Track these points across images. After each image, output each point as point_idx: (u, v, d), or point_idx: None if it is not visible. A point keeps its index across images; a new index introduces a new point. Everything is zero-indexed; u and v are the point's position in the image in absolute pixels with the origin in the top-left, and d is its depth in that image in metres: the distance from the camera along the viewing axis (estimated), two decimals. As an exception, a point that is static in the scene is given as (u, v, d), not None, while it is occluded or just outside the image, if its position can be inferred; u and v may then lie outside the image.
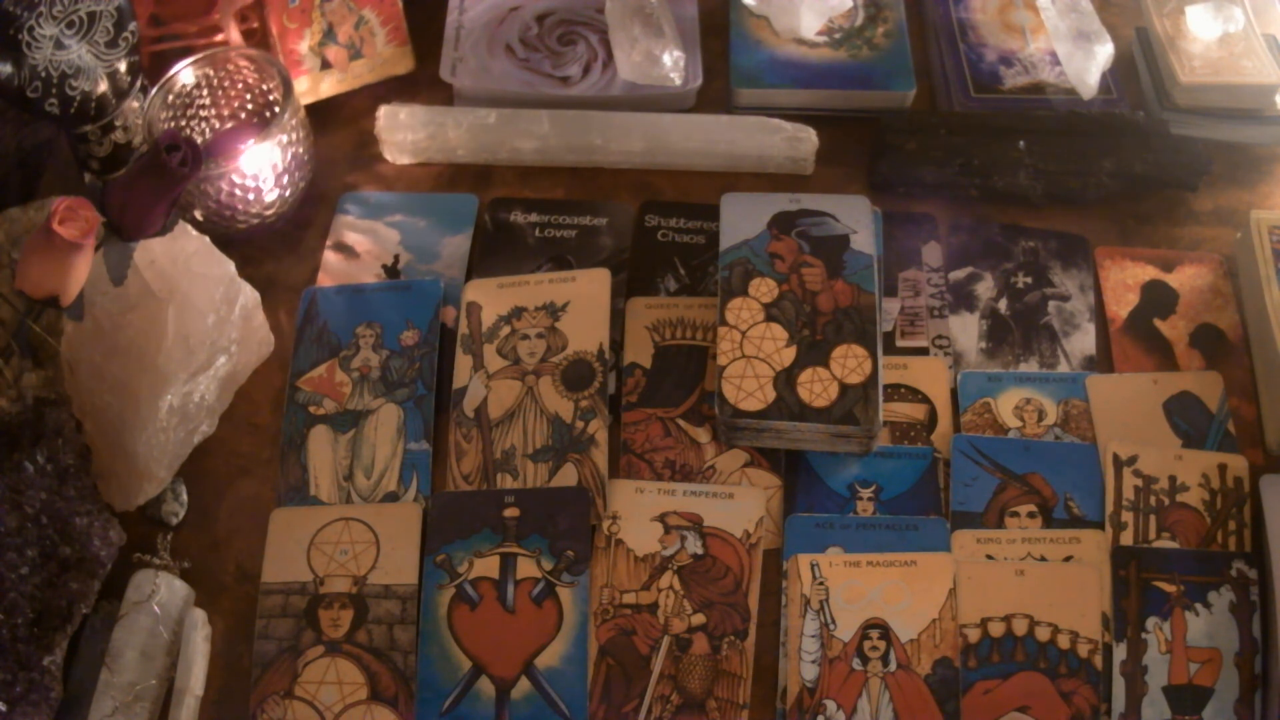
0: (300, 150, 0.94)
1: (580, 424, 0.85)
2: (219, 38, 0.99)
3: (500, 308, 0.91)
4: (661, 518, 0.82)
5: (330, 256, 0.96)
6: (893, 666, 0.76)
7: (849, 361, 0.82)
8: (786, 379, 0.82)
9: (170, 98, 0.93)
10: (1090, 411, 0.86)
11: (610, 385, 0.87)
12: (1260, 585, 0.78)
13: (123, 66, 0.90)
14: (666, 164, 1.01)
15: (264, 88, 0.97)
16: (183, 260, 0.83)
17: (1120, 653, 0.77)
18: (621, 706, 0.76)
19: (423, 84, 1.06)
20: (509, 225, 0.98)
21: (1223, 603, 0.78)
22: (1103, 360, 0.90)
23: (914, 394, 0.88)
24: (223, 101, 0.98)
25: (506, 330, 0.89)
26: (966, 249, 0.96)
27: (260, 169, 0.91)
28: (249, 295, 0.88)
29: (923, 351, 0.90)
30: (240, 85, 0.97)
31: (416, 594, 0.80)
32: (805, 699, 0.76)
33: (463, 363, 0.89)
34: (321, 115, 1.03)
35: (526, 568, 0.80)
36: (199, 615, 0.79)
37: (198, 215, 0.91)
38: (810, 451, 0.85)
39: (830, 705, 0.76)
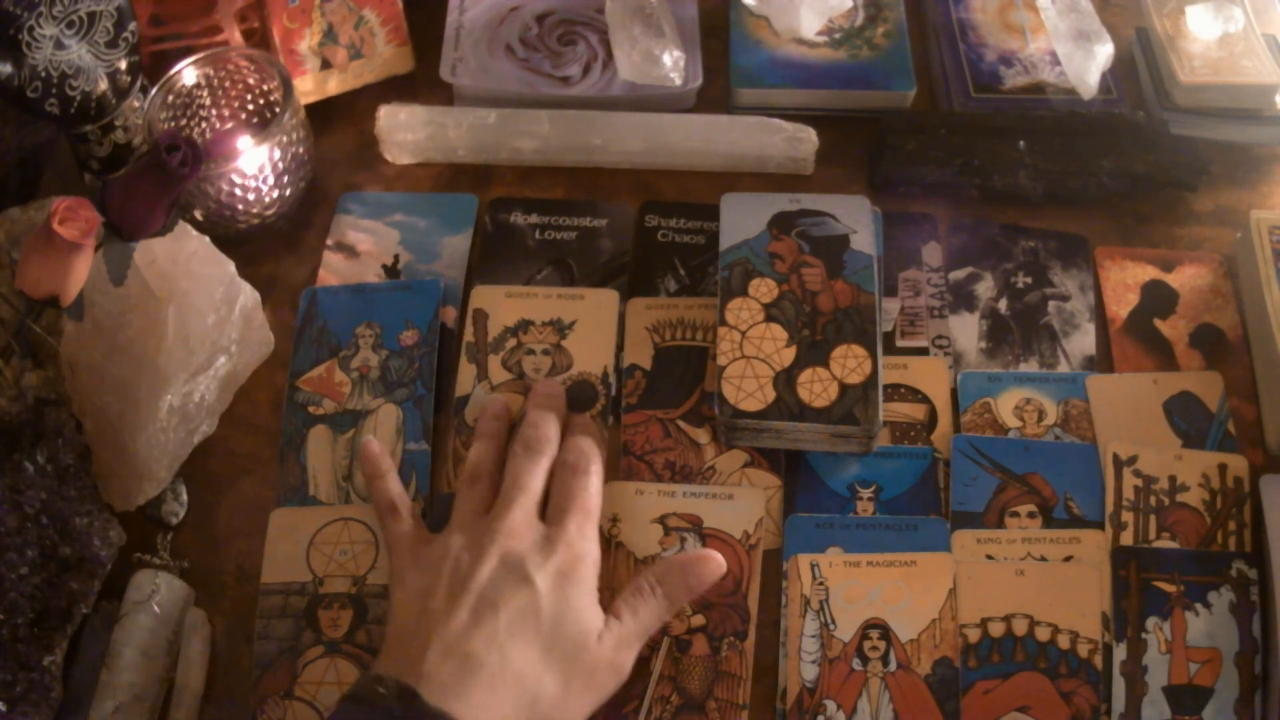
0: (300, 150, 0.94)
1: (580, 427, 0.85)
2: (219, 38, 0.99)
3: (507, 318, 0.90)
4: (661, 519, 0.82)
5: (330, 256, 0.96)
6: (893, 666, 0.76)
7: (849, 361, 0.82)
8: (786, 379, 0.82)
9: (170, 98, 0.93)
10: (1090, 411, 0.86)
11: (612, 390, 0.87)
12: (1260, 585, 0.78)
13: (123, 66, 0.90)
14: (666, 164, 1.01)
15: (264, 88, 0.97)
16: (183, 260, 0.83)
17: (1120, 653, 0.77)
18: (621, 707, 0.76)
19: (423, 84, 1.06)
20: (509, 226, 0.97)
21: (1223, 603, 0.78)
22: (1103, 360, 0.90)
23: (914, 394, 0.88)
24: (223, 101, 0.98)
25: (513, 343, 0.89)
26: (966, 249, 0.96)
27: (260, 169, 0.91)
28: (249, 295, 0.88)
29: (923, 351, 0.90)
30: (240, 85, 0.97)
31: (416, 594, 0.80)
32: (805, 699, 0.76)
33: (466, 370, 0.89)
34: (321, 115, 1.03)
35: (526, 568, 0.80)
36: (199, 615, 0.79)
37: (198, 215, 0.91)
38: (810, 451, 0.85)
39: (830, 705, 0.76)
